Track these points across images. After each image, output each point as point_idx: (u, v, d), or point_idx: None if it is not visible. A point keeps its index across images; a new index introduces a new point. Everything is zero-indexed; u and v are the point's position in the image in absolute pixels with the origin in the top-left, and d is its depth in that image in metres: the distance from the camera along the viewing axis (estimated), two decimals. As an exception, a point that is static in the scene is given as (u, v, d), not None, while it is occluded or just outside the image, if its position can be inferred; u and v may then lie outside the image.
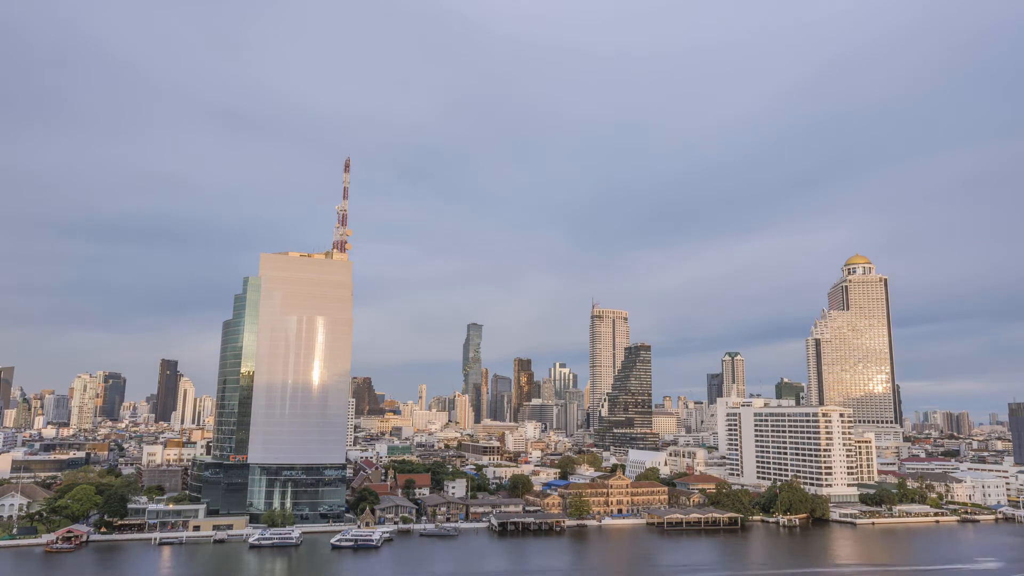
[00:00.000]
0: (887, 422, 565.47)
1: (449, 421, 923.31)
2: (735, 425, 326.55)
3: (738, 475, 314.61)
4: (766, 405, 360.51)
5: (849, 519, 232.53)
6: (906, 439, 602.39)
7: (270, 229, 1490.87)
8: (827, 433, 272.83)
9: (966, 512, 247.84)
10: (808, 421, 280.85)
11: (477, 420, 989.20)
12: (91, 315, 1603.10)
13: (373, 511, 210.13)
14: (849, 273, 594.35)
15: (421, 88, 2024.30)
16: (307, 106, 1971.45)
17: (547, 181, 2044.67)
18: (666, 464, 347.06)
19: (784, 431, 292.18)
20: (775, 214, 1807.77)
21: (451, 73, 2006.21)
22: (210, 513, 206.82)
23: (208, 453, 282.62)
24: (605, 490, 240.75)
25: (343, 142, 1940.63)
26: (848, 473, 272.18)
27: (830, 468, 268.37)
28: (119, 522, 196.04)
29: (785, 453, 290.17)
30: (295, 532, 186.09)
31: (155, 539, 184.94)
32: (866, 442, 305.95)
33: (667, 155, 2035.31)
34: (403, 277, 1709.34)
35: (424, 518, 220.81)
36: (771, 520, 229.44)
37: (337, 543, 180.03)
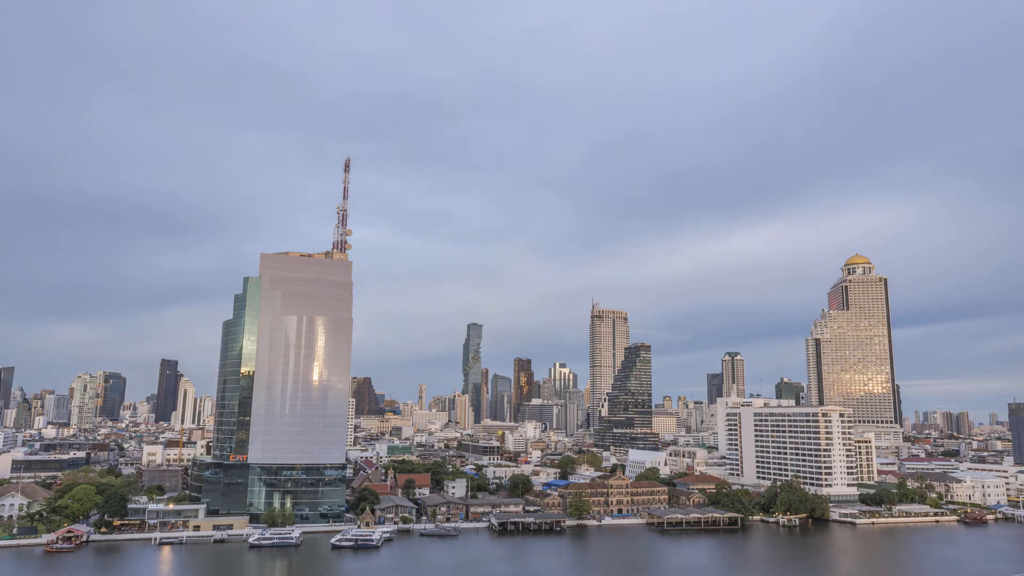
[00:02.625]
0: (887, 422, 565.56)
1: (449, 421, 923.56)
2: (735, 425, 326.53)
3: (738, 475, 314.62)
4: (766, 405, 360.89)
5: (849, 519, 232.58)
6: (906, 439, 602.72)
7: (268, 222, 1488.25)
8: (827, 433, 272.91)
9: (966, 512, 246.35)
10: (808, 421, 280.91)
11: (477, 420, 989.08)
12: (91, 314, 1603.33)
13: (373, 511, 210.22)
14: (849, 273, 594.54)
15: (395, 28, 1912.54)
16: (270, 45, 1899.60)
17: (541, 159, 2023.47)
18: (666, 464, 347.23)
19: (784, 431, 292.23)
20: (773, 212, 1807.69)
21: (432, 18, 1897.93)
22: (210, 513, 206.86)
23: (208, 453, 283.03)
24: (605, 490, 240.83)
25: (323, 106, 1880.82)
26: (848, 473, 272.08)
27: (830, 468, 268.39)
28: (119, 522, 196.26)
29: (785, 453, 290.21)
30: (295, 532, 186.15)
31: (155, 539, 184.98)
32: (866, 442, 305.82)
33: (667, 152, 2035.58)
34: (394, 268, 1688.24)
35: (424, 518, 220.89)
36: (771, 520, 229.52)
37: (337, 543, 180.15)
